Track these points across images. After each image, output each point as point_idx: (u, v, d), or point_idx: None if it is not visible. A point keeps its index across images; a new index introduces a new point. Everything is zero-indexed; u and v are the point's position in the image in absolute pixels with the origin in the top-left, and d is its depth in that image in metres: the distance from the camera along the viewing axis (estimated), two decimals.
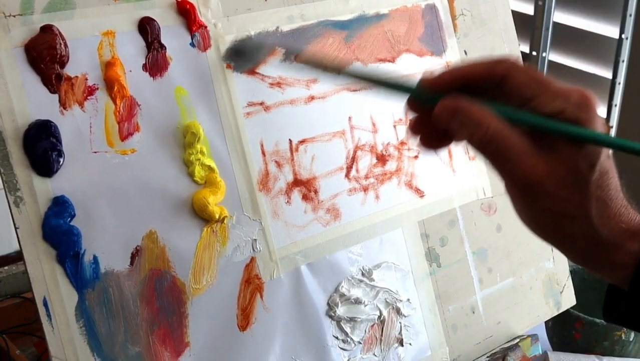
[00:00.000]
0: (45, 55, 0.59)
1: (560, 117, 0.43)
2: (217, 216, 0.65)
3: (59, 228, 0.58)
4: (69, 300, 0.59)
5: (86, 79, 0.61)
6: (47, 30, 0.59)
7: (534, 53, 1.58)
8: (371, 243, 0.76)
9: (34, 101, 0.58)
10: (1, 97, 0.57)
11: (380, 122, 0.77)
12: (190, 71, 0.66)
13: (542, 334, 0.96)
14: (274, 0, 0.71)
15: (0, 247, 1.10)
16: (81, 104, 0.61)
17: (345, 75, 0.48)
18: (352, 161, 0.75)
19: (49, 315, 0.58)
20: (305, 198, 0.72)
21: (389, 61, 0.78)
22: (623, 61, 1.44)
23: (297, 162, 0.71)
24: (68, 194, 0.59)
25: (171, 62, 0.65)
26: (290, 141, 0.71)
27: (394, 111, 0.78)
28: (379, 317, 0.76)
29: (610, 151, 0.45)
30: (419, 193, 0.79)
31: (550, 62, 1.58)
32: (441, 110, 0.45)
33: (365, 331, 0.75)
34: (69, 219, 0.59)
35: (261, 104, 0.70)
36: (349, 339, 0.74)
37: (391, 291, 0.76)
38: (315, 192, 0.72)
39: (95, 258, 0.60)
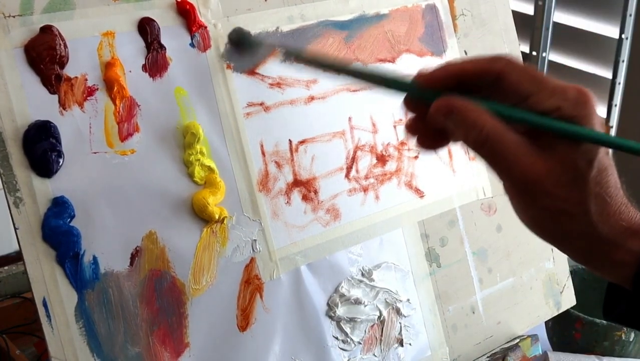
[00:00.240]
0: (44, 55, 0.59)
1: (557, 114, 0.42)
2: (216, 217, 0.65)
3: (59, 229, 0.58)
4: (69, 301, 0.59)
5: (86, 80, 0.61)
6: (47, 30, 0.59)
7: (534, 53, 1.58)
8: (371, 243, 0.76)
9: (33, 102, 0.58)
10: (1, 98, 0.57)
11: (380, 123, 0.77)
12: (190, 72, 0.66)
13: (542, 334, 0.96)
14: (274, 1, 0.71)
15: (0, 247, 1.10)
16: (81, 105, 0.60)
17: (343, 73, 0.48)
18: (352, 161, 0.75)
19: (48, 316, 0.58)
20: (305, 198, 0.72)
21: (389, 61, 0.78)
22: (623, 61, 1.44)
23: (297, 163, 0.71)
24: (68, 194, 0.59)
25: (171, 62, 0.65)
26: (290, 141, 0.71)
27: (394, 111, 0.78)
28: (379, 317, 0.76)
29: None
30: (419, 193, 0.79)
31: (550, 62, 1.58)
32: (436, 110, 0.44)
33: (365, 331, 0.75)
34: (69, 219, 0.59)
35: (261, 104, 0.70)
36: (348, 339, 0.73)
37: (391, 291, 0.76)
38: (315, 192, 0.72)
39: (94, 258, 0.60)
